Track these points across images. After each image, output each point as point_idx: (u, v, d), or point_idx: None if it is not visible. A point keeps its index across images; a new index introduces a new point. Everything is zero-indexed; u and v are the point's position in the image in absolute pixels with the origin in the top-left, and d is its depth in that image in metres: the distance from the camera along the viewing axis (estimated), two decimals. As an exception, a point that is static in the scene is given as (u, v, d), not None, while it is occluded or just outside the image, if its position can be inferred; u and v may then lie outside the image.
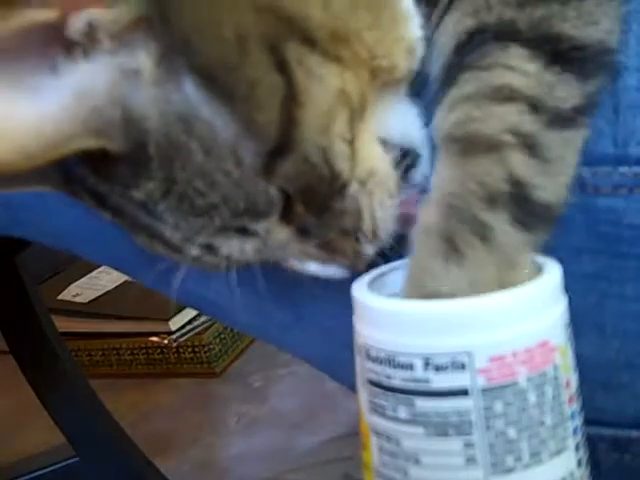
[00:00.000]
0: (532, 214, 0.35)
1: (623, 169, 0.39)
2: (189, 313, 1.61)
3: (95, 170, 0.35)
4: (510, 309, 0.33)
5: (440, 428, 0.33)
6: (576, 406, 0.35)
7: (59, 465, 1.12)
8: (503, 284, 0.34)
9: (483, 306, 0.33)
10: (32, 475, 1.12)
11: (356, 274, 0.39)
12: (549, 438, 0.33)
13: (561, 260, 0.40)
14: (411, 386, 0.33)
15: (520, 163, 0.35)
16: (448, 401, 0.33)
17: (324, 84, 0.35)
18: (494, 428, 0.33)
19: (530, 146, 0.36)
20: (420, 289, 0.35)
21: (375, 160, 0.39)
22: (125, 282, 1.70)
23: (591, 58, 0.37)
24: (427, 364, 0.33)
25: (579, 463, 0.34)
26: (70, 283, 1.74)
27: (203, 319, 1.62)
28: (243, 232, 0.37)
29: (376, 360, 0.34)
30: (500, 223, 0.35)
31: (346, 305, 0.37)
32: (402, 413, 0.33)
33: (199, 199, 0.35)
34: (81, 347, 1.63)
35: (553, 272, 0.35)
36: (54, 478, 1.13)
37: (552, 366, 0.34)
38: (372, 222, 0.39)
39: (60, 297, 1.69)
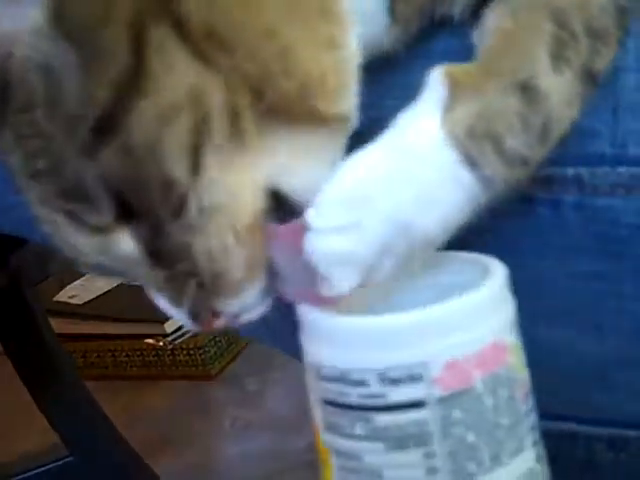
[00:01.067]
0: None
1: (621, 169, 0.39)
2: (185, 316, 1.61)
3: None
4: (460, 315, 0.33)
5: (400, 441, 0.32)
6: (531, 402, 0.34)
7: (54, 465, 1.12)
8: None
9: (434, 316, 0.33)
10: (27, 474, 1.12)
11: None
12: (507, 439, 0.33)
13: (558, 259, 0.40)
14: (367, 402, 0.33)
15: None
16: (406, 414, 0.32)
17: (177, 77, 0.32)
18: (453, 435, 0.32)
19: None
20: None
21: (234, 198, 0.34)
22: (121, 284, 1.70)
23: None
24: (382, 379, 0.32)
25: (537, 459, 0.34)
26: (66, 284, 1.73)
27: (199, 322, 1.62)
28: (78, 219, 0.34)
29: (329, 379, 0.34)
30: None
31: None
32: (360, 430, 0.33)
33: (39, 163, 0.33)
34: (76, 348, 1.63)
35: (499, 273, 0.34)
36: (49, 477, 1.13)
37: (505, 366, 0.33)
38: (210, 268, 0.35)
39: (56, 298, 1.69)
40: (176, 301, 0.36)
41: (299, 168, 0.35)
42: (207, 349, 1.59)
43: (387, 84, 0.40)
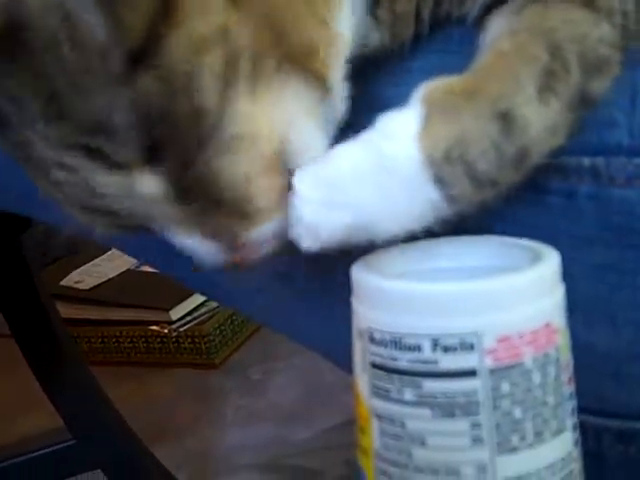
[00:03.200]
0: None
1: (638, 160, 0.39)
2: (190, 303, 1.61)
3: None
4: (518, 291, 0.33)
5: (447, 409, 0.33)
6: (573, 387, 0.35)
7: (57, 447, 1.12)
8: None
9: (492, 287, 0.33)
10: (30, 456, 1.12)
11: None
12: (551, 418, 0.34)
13: (572, 250, 0.40)
14: (418, 368, 0.33)
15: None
16: (456, 382, 0.33)
17: (207, 11, 0.34)
18: (500, 408, 0.33)
19: None
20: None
21: (258, 130, 0.36)
22: (127, 270, 1.71)
23: None
24: (435, 345, 0.33)
25: (575, 443, 0.35)
26: (72, 270, 1.74)
27: (204, 310, 1.62)
28: (105, 160, 0.34)
29: (381, 343, 0.34)
30: None
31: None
32: (408, 395, 0.33)
33: (64, 100, 0.33)
34: (81, 334, 1.63)
35: (553, 256, 0.35)
36: (52, 460, 1.13)
37: (555, 347, 0.34)
38: (237, 195, 0.36)
39: (62, 283, 1.69)
40: (201, 235, 0.37)
41: (302, 126, 0.38)
42: (212, 337, 1.59)
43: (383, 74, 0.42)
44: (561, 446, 0.34)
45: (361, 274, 0.36)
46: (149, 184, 0.36)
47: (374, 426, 0.35)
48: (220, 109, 0.35)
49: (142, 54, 0.33)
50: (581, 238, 0.40)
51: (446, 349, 0.33)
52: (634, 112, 0.39)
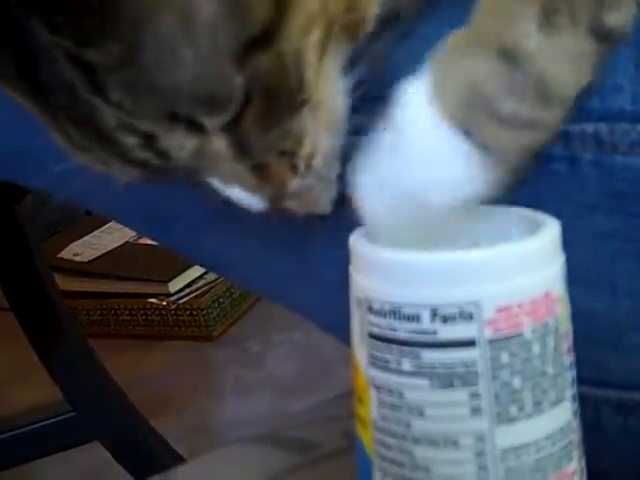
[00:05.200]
0: None
1: None
2: (189, 276, 1.61)
3: (51, 22, 0.33)
4: (518, 260, 0.33)
5: (446, 379, 0.33)
6: (573, 357, 0.35)
7: (56, 419, 1.13)
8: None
9: (492, 257, 0.33)
10: (29, 428, 1.13)
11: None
12: (550, 388, 0.34)
13: (574, 217, 0.40)
14: (417, 338, 0.33)
15: None
16: (455, 352, 0.33)
17: None
18: (499, 378, 0.33)
19: None
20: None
21: (327, 93, 0.38)
22: (126, 243, 1.71)
23: None
24: (435, 315, 0.32)
25: (575, 414, 0.35)
26: (71, 242, 1.74)
27: (202, 282, 1.62)
28: (191, 126, 0.35)
29: (379, 313, 0.34)
30: None
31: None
32: (406, 365, 0.33)
33: (161, 74, 0.33)
34: (79, 306, 1.63)
35: (554, 225, 0.35)
36: (51, 431, 1.14)
37: (554, 317, 0.34)
38: (311, 149, 0.38)
39: (60, 255, 1.69)
40: (254, 187, 0.39)
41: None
42: (210, 310, 1.60)
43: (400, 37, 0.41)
44: (560, 416, 0.34)
45: (360, 243, 0.35)
46: (219, 144, 0.36)
47: (372, 396, 0.35)
48: (315, 80, 0.36)
49: (262, 38, 0.33)
50: (583, 205, 0.40)
51: (445, 319, 0.32)
52: (638, 78, 0.39)
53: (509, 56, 0.35)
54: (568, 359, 0.35)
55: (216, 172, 0.38)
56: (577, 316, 0.39)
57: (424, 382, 0.33)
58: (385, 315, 0.33)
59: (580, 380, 0.43)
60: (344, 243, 0.47)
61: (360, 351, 0.35)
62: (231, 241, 0.51)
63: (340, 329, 0.54)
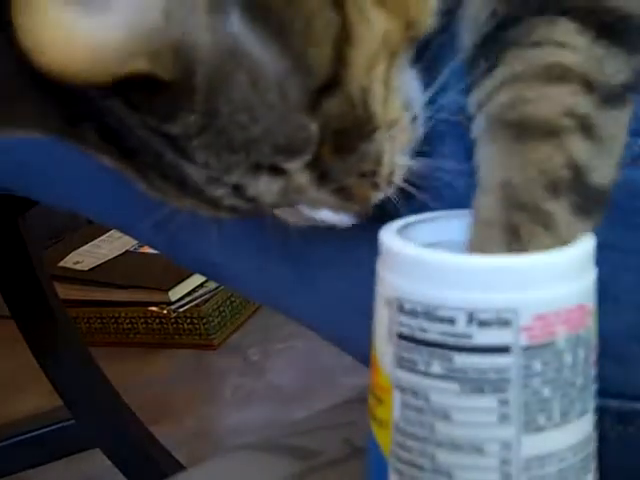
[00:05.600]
0: (590, 199, 0.35)
1: None
2: (189, 284, 1.61)
3: (129, 101, 0.35)
4: (557, 269, 0.33)
5: (476, 385, 0.32)
6: (596, 369, 0.35)
7: (55, 427, 1.13)
8: None
9: (531, 264, 0.33)
10: (29, 435, 1.13)
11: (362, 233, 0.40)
12: (577, 399, 0.33)
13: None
14: (450, 341, 0.32)
15: (579, 147, 0.35)
16: (488, 357, 0.32)
17: (373, 26, 0.35)
18: (530, 387, 0.32)
19: (587, 128, 0.35)
20: None
21: (398, 110, 0.39)
22: (127, 251, 1.71)
23: (637, 30, 0.37)
24: (471, 319, 0.32)
25: (595, 426, 0.35)
26: (71, 250, 1.74)
27: (203, 291, 1.62)
28: (274, 171, 0.36)
29: (411, 313, 0.33)
30: (562, 211, 0.35)
31: (359, 267, 0.36)
32: (436, 368, 0.33)
33: (239, 133, 0.34)
34: (80, 314, 1.64)
35: (589, 237, 0.35)
36: (51, 438, 1.14)
37: (586, 328, 0.34)
38: (390, 167, 0.39)
39: (61, 264, 1.69)
40: (339, 207, 0.39)
41: (403, 79, 0.39)
42: (211, 318, 1.60)
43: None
44: (584, 427, 0.34)
45: (394, 241, 0.35)
46: (302, 179, 0.37)
47: (395, 398, 0.34)
48: (382, 111, 0.37)
49: (330, 82, 0.34)
50: None
51: (481, 323, 0.32)
52: (638, 98, 0.39)
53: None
54: (594, 371, 0.34)
55: (302, 200, 0.39)
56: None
57: (454, 386, 0.33)
58: (417, 316, 0.33)
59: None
60: (345, 250, 0.47)
61: (385, 351, 0.35)
62: (230, 248, 0.51)
63: (340, 337, 0.54)
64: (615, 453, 0.44)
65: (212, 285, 1.62)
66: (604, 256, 0.39)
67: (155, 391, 1.46)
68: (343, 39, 0.34)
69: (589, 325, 0.34)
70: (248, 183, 0.36)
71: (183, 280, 1.60)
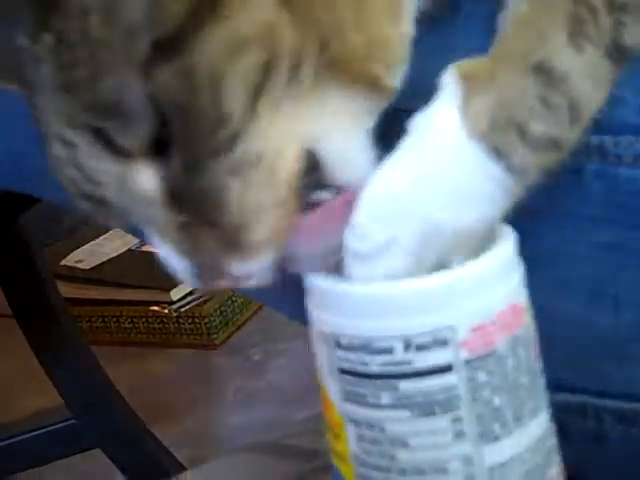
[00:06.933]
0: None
1: None
2: (191, 284, 1.61)
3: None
4: (484, 277, 0.33)
5: (426, 408, 0.32)
6: (540, 363, 0.35)
7: (57, 426, 1.13)
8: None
9: (457, 278, 0.32)
10: (30, 435, 1.13)
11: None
12: (527, 398, 0.33)
13: (577, 229, 0.40)
14: (392, 370, 0.32)
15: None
16: (432, 379, 0.32)
17: (253, 9, 0.32)
18: (480, 399, 0.32)
19: None
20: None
21: (279, 151, 0.34)
22: (128, 250, 1.71)
23: None
24: (408, 345, 0.32)
25: (550, 419, 0.35)
26: (73, 249, 1.74)
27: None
28: (108, 145, 0.33)
29: (349, 348, 0.33)
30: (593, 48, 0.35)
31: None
32: (385, 399, 0.32)
33: (78, 73, 0.32)
34: (81, 313, 1.63)
35: (511, 235, 0.34)
36: (52, 438, 1.14)
37: (523, 327, 0.33)
38: (237, 220, 0.33)
39: (63, 263, 1.69)
40: (185, 252, 0.34)
41: (337, 134, 0.35)
42: (212, 318, 1.59)
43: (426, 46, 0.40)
44: (540, 424, 0.34)
45: (319, 280, 0.34)
46: (145, 178, 0.34)
47: (349, 432, 0.34)
48: (243, 119, 0.32)
49: (172, 43, 0.31)
50: (587, 217, 0.40)
51: (419, 348, 0.32)
52: None
53: (544, 74, 0.34)
54: (538, 365, 0.34)
55: (145, 220, 0.35)
56: (579, 327, 0.39)
57: (405, 413, 0.32)
58: (355, 350, 0.33)
59: (582, 390, 0.43)
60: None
61: (331, 386, 0.34)
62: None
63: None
64: (617, 454, 0.43)
65: (213, 285, 1.61)
66: (605, 256, 0.39)
67: (156, 391, 1.46)
68: (207, 3, 0.31)
69: (525, 322, 0.34)
70: (74, 140, 0.33)
71: (185, 279, 1.60)
